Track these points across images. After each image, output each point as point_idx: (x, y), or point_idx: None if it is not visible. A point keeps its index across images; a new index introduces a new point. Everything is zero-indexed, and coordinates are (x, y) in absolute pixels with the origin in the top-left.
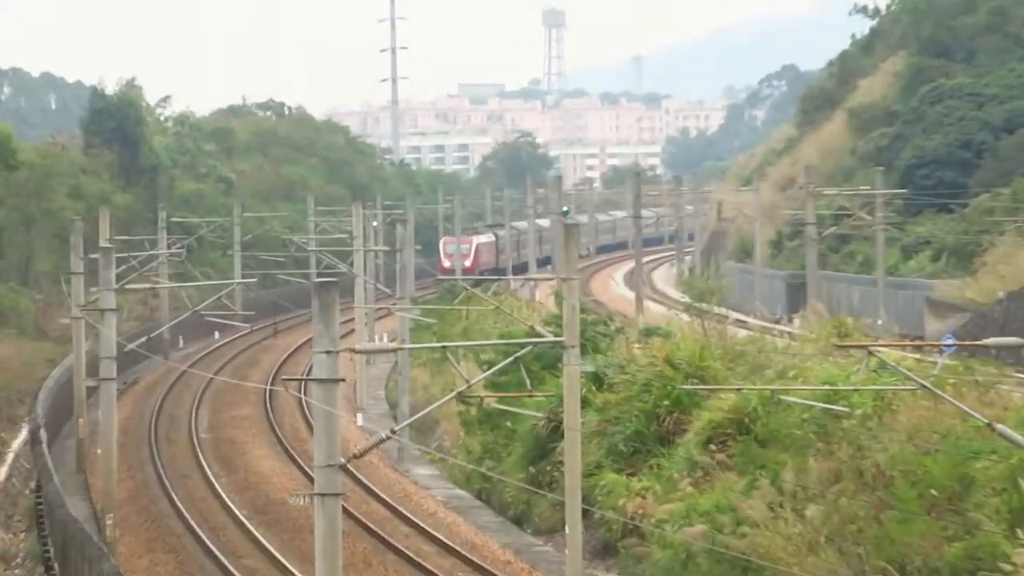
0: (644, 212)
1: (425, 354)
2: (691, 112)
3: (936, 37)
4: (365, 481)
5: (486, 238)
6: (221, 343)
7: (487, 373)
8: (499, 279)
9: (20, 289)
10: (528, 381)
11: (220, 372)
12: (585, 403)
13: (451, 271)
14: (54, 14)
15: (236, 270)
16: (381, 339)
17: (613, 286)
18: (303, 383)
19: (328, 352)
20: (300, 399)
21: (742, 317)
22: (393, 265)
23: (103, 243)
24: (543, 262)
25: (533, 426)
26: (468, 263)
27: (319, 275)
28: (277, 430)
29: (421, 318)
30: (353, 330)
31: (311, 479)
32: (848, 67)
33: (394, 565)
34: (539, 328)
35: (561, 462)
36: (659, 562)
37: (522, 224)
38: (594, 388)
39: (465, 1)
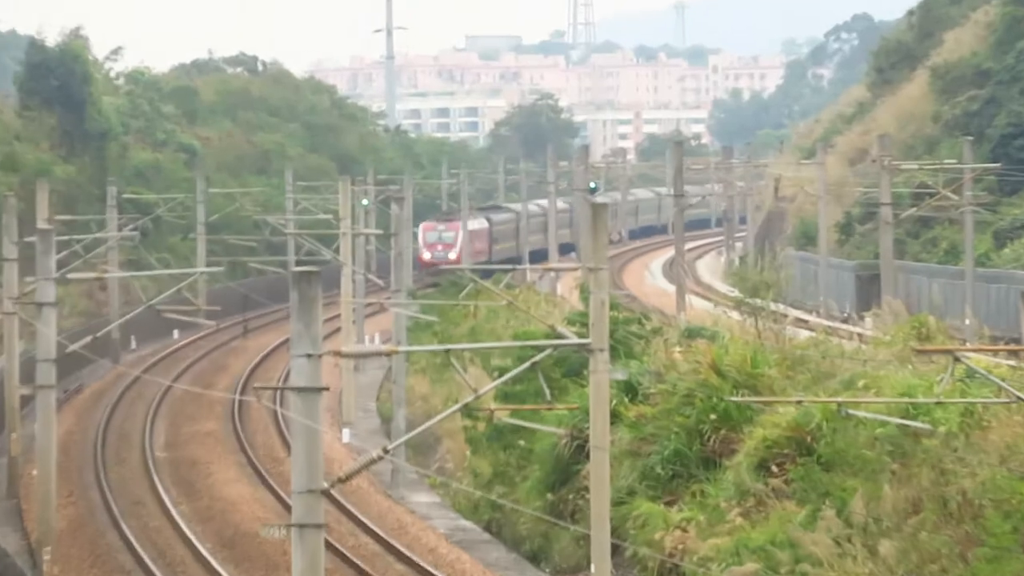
0: (687, 189)
1: (425, 359)
2: (743, 70)
3: None
4: (352, 510)
5: (476, 224)
6: (181, 344)
7: (499, 381)
8: (513, 268)
9: None
10: (547, 391)
11: (180, 379)
12: (615, 417)
13: (432, 265)
14: None
15: (199, 256)
16: (372, 340)
17: (649, 278)
18: (278, 392)
19: (309, 355)
20: (275, 412)
21: (803, 315)
22: (387, 252)
23: (41, 224)
24: (566, 249)
25: (553, 445)
26: (453, 255)
27: (298, 263)
28: (247, 449)
29: (420, 315)
30: (339, 329)
31: (288, 507)
32: (931, 17)
33: None
34: (560, 328)
35: (586, 488)
36: None
37: (538, 204)
38: (626, 400)
39: None
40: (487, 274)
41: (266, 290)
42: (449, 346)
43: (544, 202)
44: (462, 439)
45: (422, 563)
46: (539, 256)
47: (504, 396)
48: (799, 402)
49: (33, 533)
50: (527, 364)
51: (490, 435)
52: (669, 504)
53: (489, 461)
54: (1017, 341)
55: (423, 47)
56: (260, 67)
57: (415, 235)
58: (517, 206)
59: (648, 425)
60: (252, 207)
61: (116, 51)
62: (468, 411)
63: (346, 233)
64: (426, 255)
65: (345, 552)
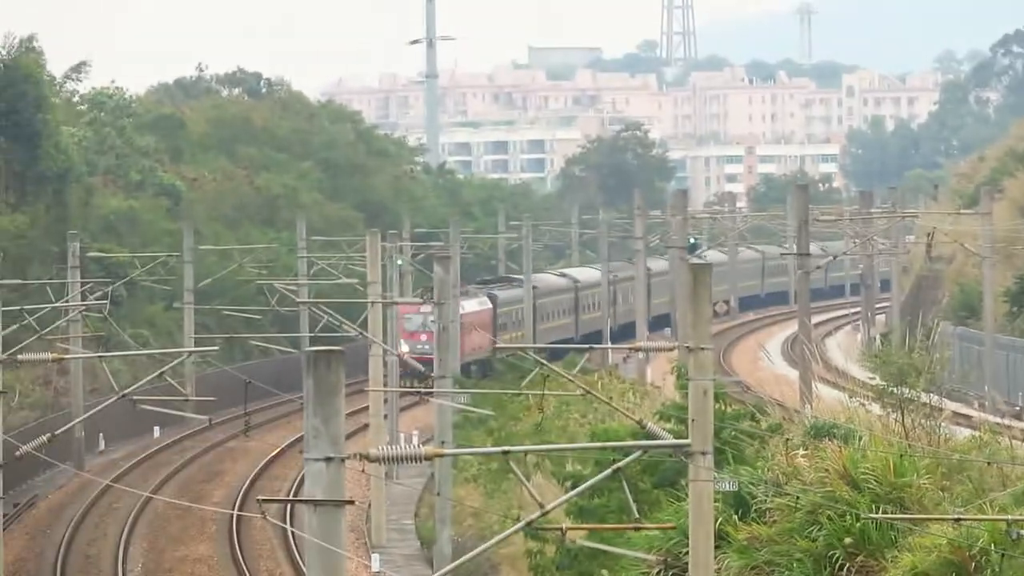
0: (814, 247)
1: (477, 464)
2: (887, 93)
3: None
4: None
5: (474, 304)
6: (164, 444)
7: (572, 494)
8: (590, 348)
9: None
10: (634, 506)
11: (162, 489)
12: (721, 539)
13: (410, 357)
14: None
15: (187, 332)
16: (409, 440)
17: (765, 361)
18: (289, 507)
19: (328, 459)
20: (285, 531)
21: (963, 409)
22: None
23: None
24: (657, 324)
25: (643, 575)
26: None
27: (314, 341)
28: None
29: (470, 408)
30: (366, 425)
31: None
32: None
33: None
34: (651, 425)
35: None
36: None
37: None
38: (735, 517)
39: None
40: (555, 355)
41: (273, 375)
42: (508, 448)
43: (576, 271)
44: (525, 567)
45: None
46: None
47: (579, 512)
48: (958, 520)
49: None
50: (608, 471)
51: (562, 562)
52: None
53: None
54: None
55: (474, 63)
56: (264, 88)
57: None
58: (540, 276)
59: (764, 550)
60: (254, 269)
61: (79, 67)
62: (532, 531)
63: (376, 302)
64: (404, 347)
65: None
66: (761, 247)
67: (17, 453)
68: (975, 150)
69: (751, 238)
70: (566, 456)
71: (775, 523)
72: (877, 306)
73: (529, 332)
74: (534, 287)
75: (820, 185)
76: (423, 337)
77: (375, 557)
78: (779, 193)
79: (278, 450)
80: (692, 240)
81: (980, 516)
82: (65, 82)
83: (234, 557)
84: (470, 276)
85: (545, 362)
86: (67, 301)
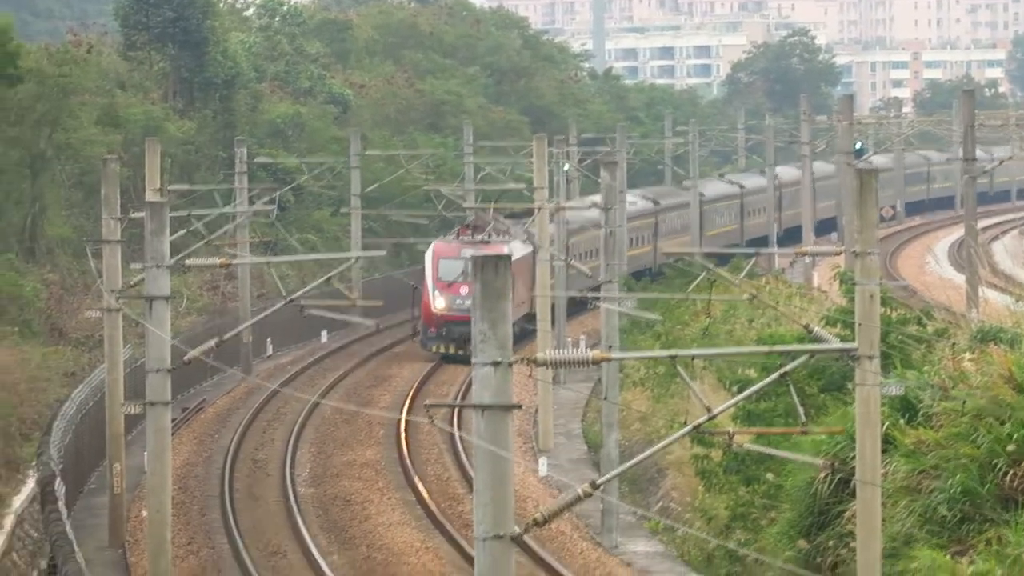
0: (980, 153)
1: (644, 368)
2: None
3: None
4: (551, 562)
5: (519, 248)
6: (331, 349)
7: (739, 398)
8: (757, 253)
9: (23, 267)
10: (801, 410)
11: (329, 394)
12: (888, 444)
13: (447, 320)
14: None
15: (354, 237)
16: (576, 345)
17: (932, 265)
18: (456, 411)
19: (496, 364)
20: (452, 436)
21: None
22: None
23: (151, 195)
24: (823, 227)
25: (808, 479)
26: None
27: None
28: (417, 483)
29: (638, 312)
30: (533, 330)
31: (469, 558)
32: None
33: None
34: (818, 329)
35: (851, 534)
36: None
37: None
38: (902, 421)
39: None
40: (721, 261)
41: None
42: (675, 352)
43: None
44: (691, 471)
45: None
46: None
47: (746, 416)
48: None
49: None
50: (775, 376)
51: (728, 466)
52: (958, 555)
53: (726, 499)
54: None
55: None
56: None
57: (424, 267)
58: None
59: (930, 454)
60: (421, 174)
61: None
62: (700, 436)
63: (542, 207)
64: (438, 302)
65: None
66: (926, 152)
67: (185, 358)
68: None
69: (917, 143)
70: (733, 361)
71: (941, 428)
72: None
73: (695, 237)
74: (700, 194)
75: (986, 90)
76: (463, 290)
77: (542, 461)
78: (945, 98)
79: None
80: (858, 145)
81: None
82: None
83: (401, 462)
84: (636, 182)
85: (711, 266)
86: (235, 207)
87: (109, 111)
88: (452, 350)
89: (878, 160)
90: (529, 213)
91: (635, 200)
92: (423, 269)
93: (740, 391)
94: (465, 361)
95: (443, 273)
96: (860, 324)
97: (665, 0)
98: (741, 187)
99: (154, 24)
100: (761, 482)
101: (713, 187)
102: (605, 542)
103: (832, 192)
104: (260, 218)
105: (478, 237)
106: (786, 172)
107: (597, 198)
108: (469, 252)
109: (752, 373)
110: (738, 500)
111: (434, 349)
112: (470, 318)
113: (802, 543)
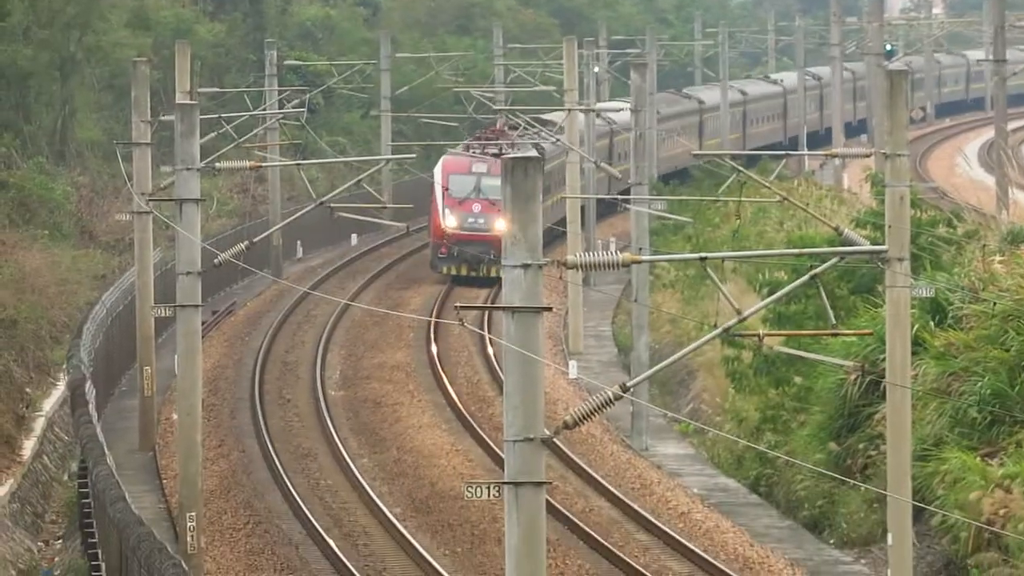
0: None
1: (674, 271)
2: None
3: None
4: (581, 464)
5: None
6: (361, 251)
7: (769, 300)
8: (787, 154)
9: (53, 170)
10: (831, 313)
11: (359, 297)
12: (918, 346)
13: (458, 239)
14: None
15: (384, 139)
16: (607, 247)
17: (962, 167)
18: (487, 314)
19: (526, 266)
20: (482, 338)
21: None
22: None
23: (181, 97)
24: (854, 130)
25: (838, 381)
26: (495, 225)
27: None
28: (446, 386)
29: (667, 214)
30: (563, 233)
31: (499, 461)
32: None
33: None
34: (848, 231)
35: (880, 436)
36: None
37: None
38: (932, 323)
39: None
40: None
41: None
42: (706, 255)
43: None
44: (722, 374)
45: (671, 532)
46: None
47: (777, 319)
48: None
49: (174, 495)
50: (805, 278)
51: (759, 368)
52: (987, 457)
53: (756, 402)
54: None
55: None
56: None
57: (434, 184)
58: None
59: (960, 357)
60: (451, 76)
61: None
62: (730, 337)
63: (572, 109)
64: (449, 221)
65: (572, 518)
66: (954, 54)
67: (216, 260)
68: None
69: (947, 44)
70: (764, 263)
71: (971, 330)
72: None
73: (726, 138)
74: (743, 92)
75: None
76: (476, 207)
77: (572, 364)
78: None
79: None
80: (888, 47)
81: None
82: None
83: (431, 364)
84: (667, 83)
85: (742, 168)
86: (264, 109)
87: (139, 13)
88: (464, 271)
89: (908, 61)
90: (546, 124)
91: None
92: (432, 184)
93: (770, 294)
94: (479, 283)
95: (454, 189)
96: (890, 226)
97: None
98: (783, 85)
99: None
100: (791, 384)
101: (754, 87)
102: (635, 444)
103: (861, 93)
104: (290, 121)
105: (490, 151)
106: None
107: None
108: (482, 167)
109: (783, 276)
110: (768, 402)
111: (444, 271)
112: (483, 238)
113: (832, 445)
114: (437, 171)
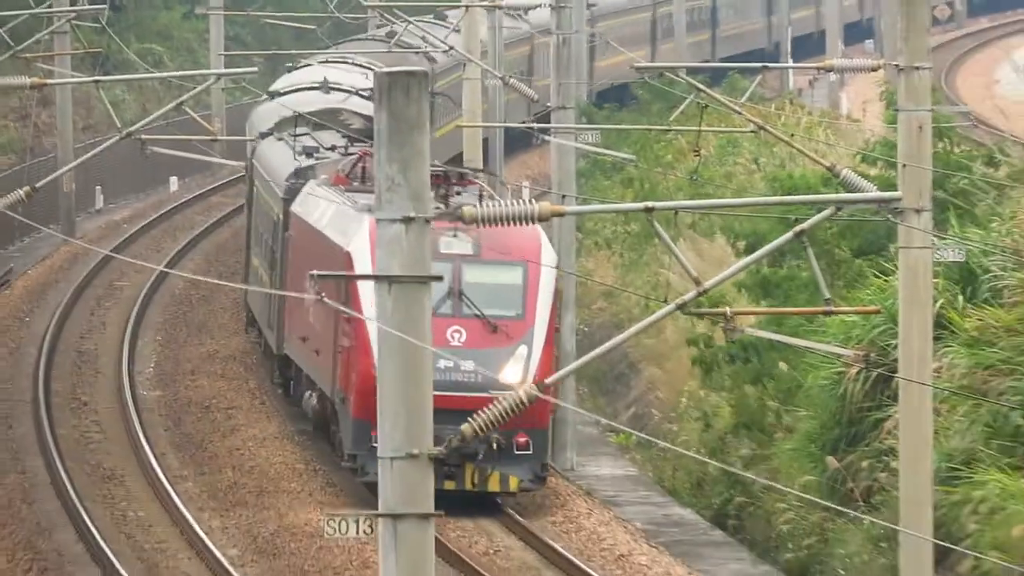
0: None
1: (610, 225)
2: None
3: None
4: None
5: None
6: (184, 199)
7: (740, 264)
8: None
9: None
10: (823, 285)
11: (181, 263)
12: (944, 329)
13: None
14: None
15: (214, 47)
16: (519, 194)
17: (1006, 84)
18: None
19: (408, 220)
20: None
21: None
22: None
23: None
24: (862, 33)
25: (836, 376)
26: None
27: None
28: None
29: (602, 150)
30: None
31: (372, 485)
32: None
33: None
34: (848, 172)
35: (892, 450)
36: None
37: None
38: (962, 299)
39: None
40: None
41: None
42: (652, 204)
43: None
44: (674, 365)
45: None
46: None
47: (760, 285)
48: None
49: None
50: (788, 235)
51: (730, 354)
52: None
53: (727, 400)
54: None
55: None
56: None
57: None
58: None
59: (999, 343)
60: None
61: None
62: (689, 313)
63: (472, 5)
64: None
65: (470, 562)
66: None
67: None
68: None
69: None
70: (733, 213)
71: (1015, 307)
72: None
73: (683, 44)
74: None
75: None
76: (456, 335)
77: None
78: None
79: None
80: None
81: None
82: None
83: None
84: None
85: (702, 87)
86: (51, 7)
87: None
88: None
89: None
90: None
91: None
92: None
93: (750, 251)
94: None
95: None
96: (904, 165)
97: None
98: None
99: None
100: (772, 376)
101: None
102: (557, 463)
103: None
104: (86, 22)
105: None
106: None
107: None
108: (463, 245)
109: (761, 231)
110: (743, 403)
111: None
112: (474, 403)
113: (831, 461)
114: (358, 242)
